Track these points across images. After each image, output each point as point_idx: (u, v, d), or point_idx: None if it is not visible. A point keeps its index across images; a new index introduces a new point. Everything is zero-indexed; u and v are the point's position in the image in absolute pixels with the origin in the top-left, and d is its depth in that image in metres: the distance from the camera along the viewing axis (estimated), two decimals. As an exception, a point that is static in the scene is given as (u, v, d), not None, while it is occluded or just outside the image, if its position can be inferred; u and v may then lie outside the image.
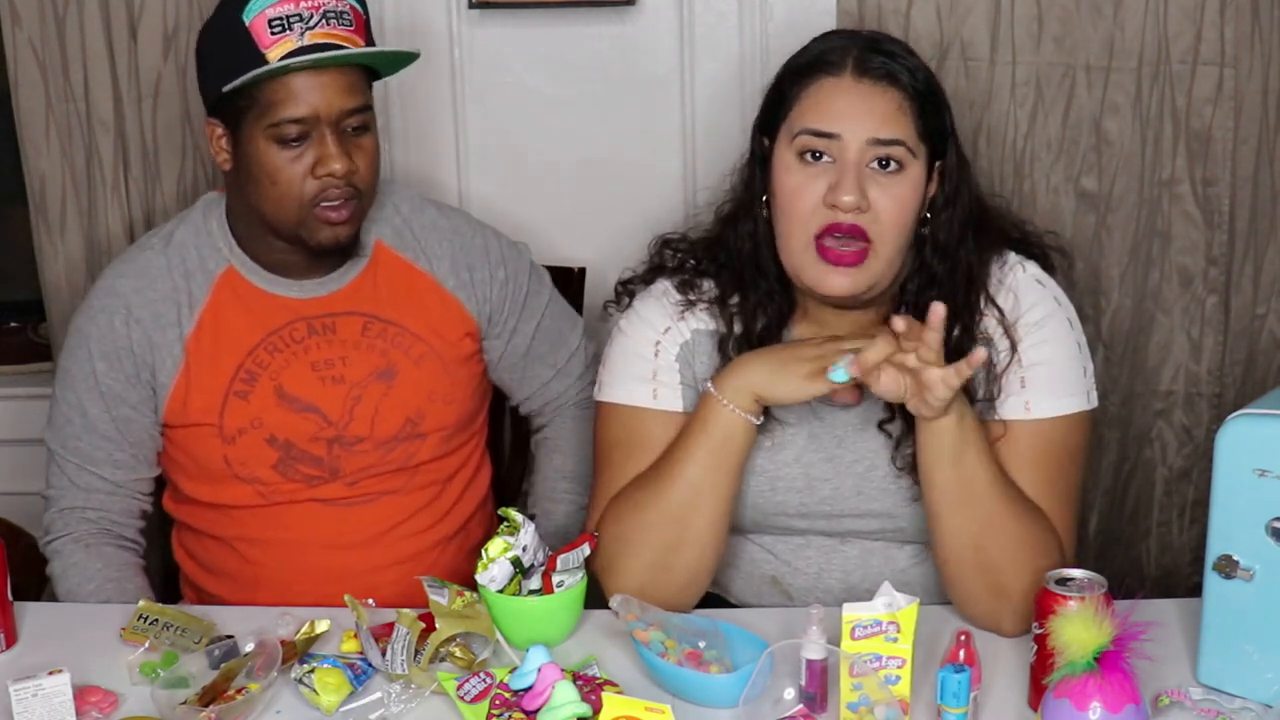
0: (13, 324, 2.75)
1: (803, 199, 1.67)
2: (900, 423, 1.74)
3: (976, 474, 1.63)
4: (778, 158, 1.70)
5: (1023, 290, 1.74)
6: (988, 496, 1.63)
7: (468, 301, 1.96)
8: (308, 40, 1.74)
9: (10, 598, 1.71)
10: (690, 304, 1.80)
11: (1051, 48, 2.17)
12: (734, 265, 1.79)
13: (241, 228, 1.89)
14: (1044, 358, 1.70)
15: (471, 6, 2.33)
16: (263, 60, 1.73)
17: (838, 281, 1.67)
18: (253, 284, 1.88)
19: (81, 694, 1.56)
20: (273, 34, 1.73)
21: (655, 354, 1.79)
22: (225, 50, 1.77)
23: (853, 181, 1.64)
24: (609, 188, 2.40)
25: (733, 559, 1.85)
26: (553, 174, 2.41)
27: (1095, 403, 1.75)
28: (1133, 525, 2.39)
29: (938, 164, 1.72)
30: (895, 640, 1.48)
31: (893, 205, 1.66)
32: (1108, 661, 1.35)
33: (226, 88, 1.76)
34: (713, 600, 1.85)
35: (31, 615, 1.77)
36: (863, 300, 1.72)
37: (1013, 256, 1.78)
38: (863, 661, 1.47)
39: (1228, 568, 1.50)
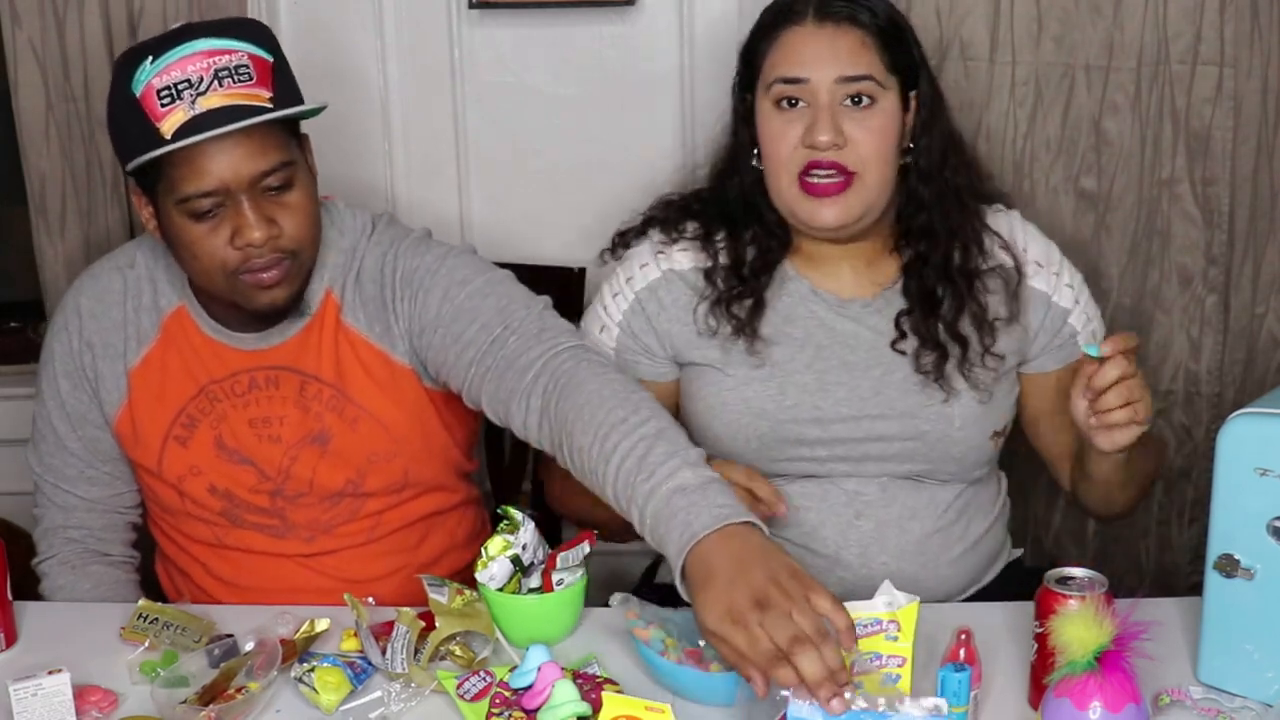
0: (13, 324, 2.75)
1: (783, 142, 1.76)
2: (914, 339, 1.80)
3: (1140, 467, 1.77)
4: (759, 110, 1.79)
5: (1037, 238, 1.87)
6: (1143, 473, 1.81)
7: (398, 345, 1.81)
8: (200, 108, 1.59)
9: (10, 597, 1.71)
10: (672, 242, 1.88)
11: (1051, 47, 2.17)
12: (723, 208, 1.87)
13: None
14: (1087, 294, 1.88)
15: (471, 6, 2.33)
16: (156, 134, 1.60)
17: (827, 213, 1.76)
18: (201, 330, 1.83)
19: (81, 694, 1.56)
20: (162, 105, 1.60)
21: (605, 309, 1.90)
22: (124, 124, 1.65)
23: (827, 121, 1.73)
24: (609, 188, 2.39)
25: None
26: (553, 174, 2.41)
27: None
28: (1132, 525, 2.39)
29: (913, 94, 1.80)
30: (895, 639, 1.48)
31: (869, 136, 1.74)
32: (1108, 660, 1.34)
33: (127, 168, 1.68)
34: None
35: (31, 615, 1.77)
36: (857, 232, 1.80)
37: (1012, 212, 1.90)
38: (863, 660, 1.47)
39: (1229, 567, 1.50)
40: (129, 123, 1.64)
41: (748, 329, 1.82)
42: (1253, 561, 1.49)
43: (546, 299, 1.81)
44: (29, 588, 1.91)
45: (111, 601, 1.87)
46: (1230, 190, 2.21)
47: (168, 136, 1.61)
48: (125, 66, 1.64)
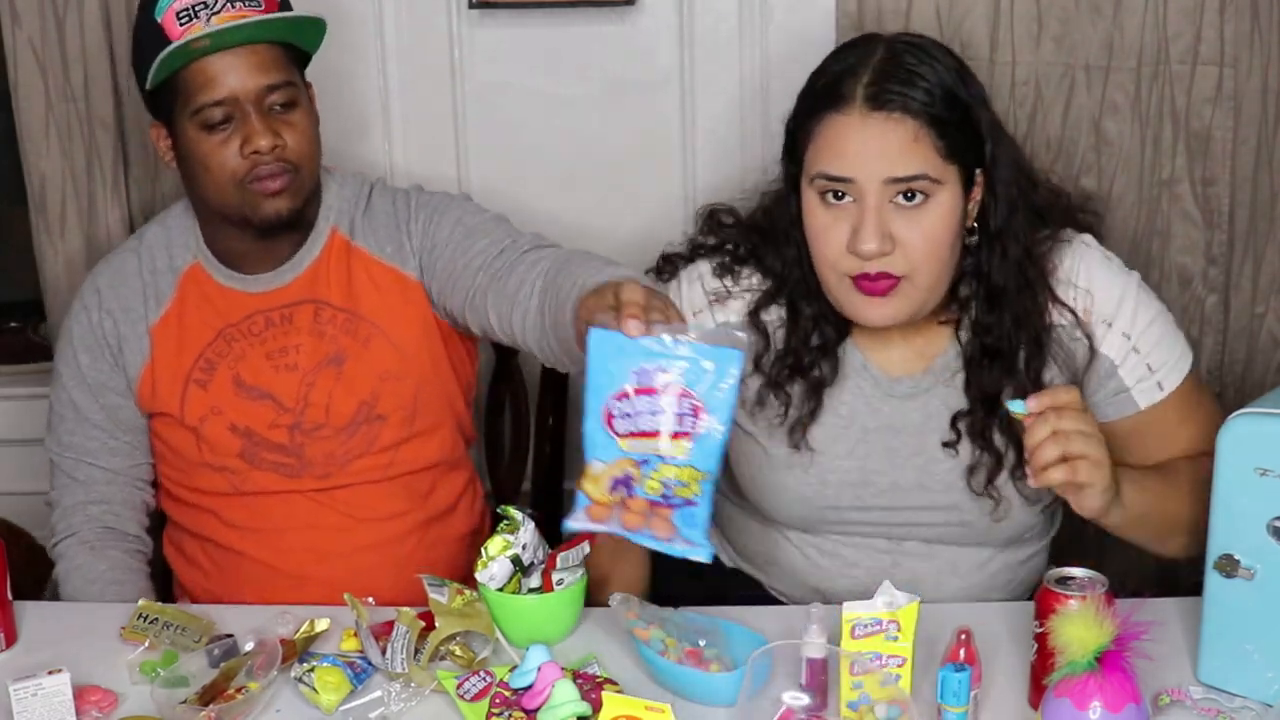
0: (13, 324, 2.76)
1: (829, 242, 1.63)
2: (970, 445, 1.70)
3: (1165, 517, 1.67)
4: (805, 196, 1.65)
5: (1098, 279, 1.71)
6: (1183, 518, 1.67)
7: (409, 261, 1.93)
8: (213, 25, 1.76)
9: (10, 597, 1.71)
10: (727, 293, 1.76)
11: (1051, 47, 2.17)
12: (778, 274, 1.74)
13: (203, 223, 1.94)
14: (1154, 336, 1.72)
15: (471, 6, 2.33)
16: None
17: (877, 314, 1.64)
18: (216, 280, 1.93)
19: (81, 694, 1.56)
20: (180, 24, 1.77)
21: None
22: (146, 48, 1.81)
23: (872, 228, 1.58)
24: (609, 188, 2.40)
25: (772, 563, 1.84)
26: (553, 174, 2.41)
27: (1189, 349, 1.79)
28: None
29: (979, 170, 1.66)
30: (895, 639, 1.48)
31: (920, 239, 1.60)
32: (1108, 661, 1.34)
33: (147, 86, 1.81)
34: (744, 590, 1.87)
35: (31, 615, 1.77)
36: (916, 317, 1.69)
37: (1077, 240, 1.74)
38: (864, 660, 1.47)
39: (1229, 567, 1.50)
40: (150, 46, 1.79)
41: (797, 427, 1.73)
42: (1253, 562, 1.49)
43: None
44: (29, 588, 1.91)
45: (122, 591, 1.88)
46: (1230, 190, 2.21)
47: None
48: (148, 1, 1.81)
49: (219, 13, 1.77)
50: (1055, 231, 1.74)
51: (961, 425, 1.71)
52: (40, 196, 2.31)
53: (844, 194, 1.61)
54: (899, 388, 1.74)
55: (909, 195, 1.60)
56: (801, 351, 1.72)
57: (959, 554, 1.78)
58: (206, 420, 1.90)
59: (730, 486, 1.85)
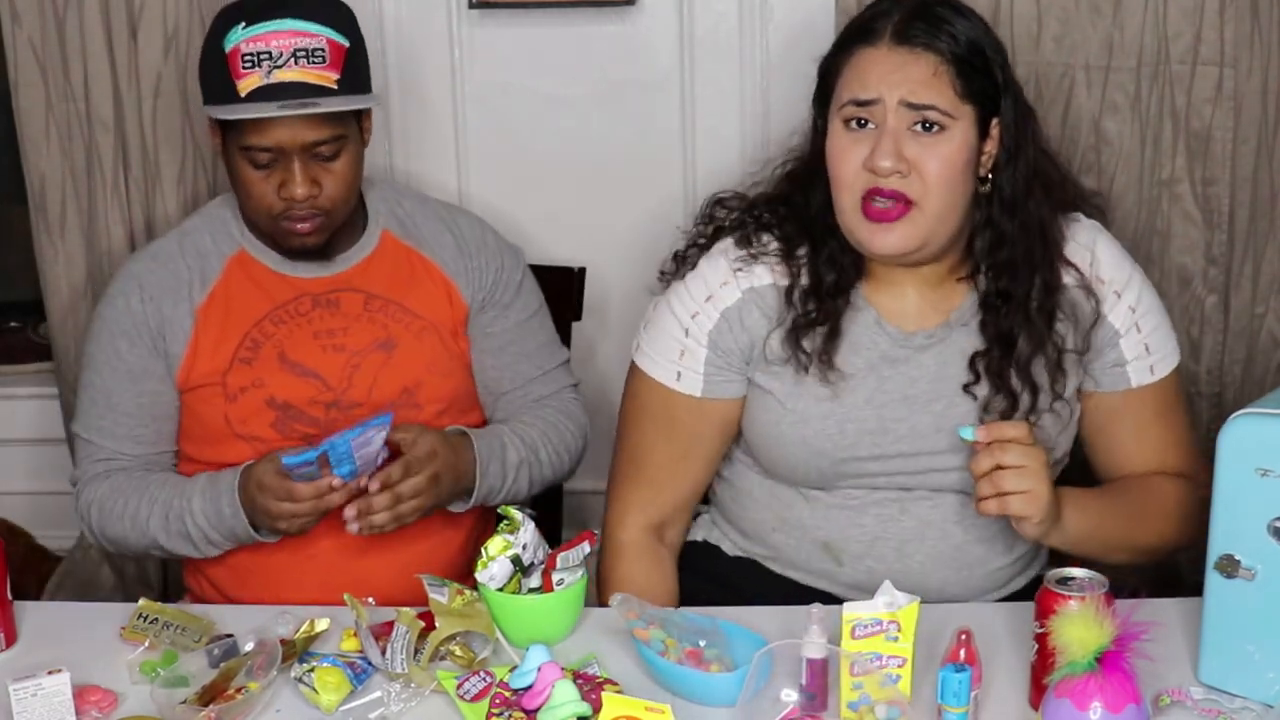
0: (13, 324, 2.76)
1: (848, 163, 1.71)
2: (988, 386, 1.76)
3: (1109, 540, 1.74)
4: (830, 129, 1.75)
5: (1110, 254, 1.81)
6: (1125, 539, 1.77)
7: (465, 287, 2.00)
8: (273, 79, 1.81)
9: (10, 597, 1.71)
10: (752, 258, 1.80)
11: (1051, 47, 2.18)
12: (801, 220, 1.81)
13: (246, 219, 1.97)
14: (1153, 322, 1.81)
15: (471, 6, 2.33)
16: (234, 90, 1.82)
17: (885, 240, 1.71)
18: (263, 264, 1.97)
19: (81, 694, 1.56)
20: (244, 68, 1.82)
21: (686, 332, 1.80)
22: (210, 71, 1.87)
23: (890, 146, 1.68)
24: (609, 188, 2.40)
25: (781, 525, 1.85)
26: (553, 174, 2.41)
27: (1179, 350, 1.87)
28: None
29: (995, 121, 1.74)
30: (896, 639, 1.48)
31: (935, 164, 1.69)
32: (1109, 661, 1.35)
33: (205, 109, 1.88)
34: (747, 577, 1.88)
35: (31, 615, 1.77)
36: (924, 256, 1.75)
37: (1088, 221, 1.84)
38: (864, 660, 1.47)
39: (1229, 568, 1.50)
40: (214, 72, 1.86)
41: (823, 357, 1.77)
42: (1253, 562, 1.49)
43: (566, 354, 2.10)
44: (29, 588, 1.91)
45: (160, 483, 1.89)
46: (1230, 190, 2.21)
47: (242, 95, 1.82)
48: (222, 22, 1.86)
49: (281, 67, 1.81)
50: (1067, 212, 1.83)
51: (980, 365, 1.77)
52: (40, 196, 2.31)
53: (867, 121, 1.70)
54: (914, 340, 1.79)
55: (926, 126, 1.69)
56: (821, 284, 1.78)
57: (965, 510, 1.78)
58: (247, 390, 1.92)
59: (739, 454, 1.88)
